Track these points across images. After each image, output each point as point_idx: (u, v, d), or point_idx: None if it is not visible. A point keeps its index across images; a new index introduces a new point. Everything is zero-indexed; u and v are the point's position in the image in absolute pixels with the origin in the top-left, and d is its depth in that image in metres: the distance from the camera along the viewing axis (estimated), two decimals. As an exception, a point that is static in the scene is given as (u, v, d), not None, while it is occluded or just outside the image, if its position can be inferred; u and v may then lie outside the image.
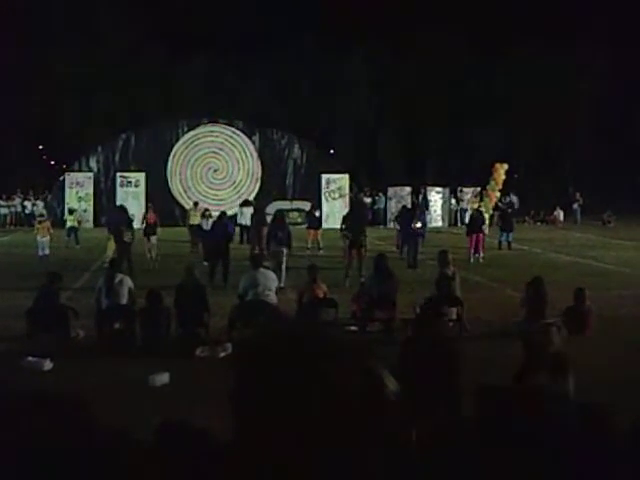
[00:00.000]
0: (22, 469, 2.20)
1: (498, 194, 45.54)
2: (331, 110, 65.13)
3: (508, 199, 47.20)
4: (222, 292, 18.84)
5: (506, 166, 45.07)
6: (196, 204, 34.03)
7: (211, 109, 52.69)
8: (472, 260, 26.91)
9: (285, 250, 21.29)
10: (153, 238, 28.29)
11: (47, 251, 28.40)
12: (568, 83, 63.57)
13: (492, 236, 31.15)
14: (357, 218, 23.95)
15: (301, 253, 26.59)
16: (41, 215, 36.12)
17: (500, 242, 31.60)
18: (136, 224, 26.77)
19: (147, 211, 30.75)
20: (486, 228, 29.55)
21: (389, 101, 64.44)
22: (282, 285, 18.95)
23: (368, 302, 15.20)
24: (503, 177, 45.17)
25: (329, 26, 61.68)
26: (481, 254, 27.50)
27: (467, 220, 35.43)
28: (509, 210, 36.05)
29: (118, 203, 34.99)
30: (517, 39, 61.46)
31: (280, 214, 23.31)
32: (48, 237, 28.82)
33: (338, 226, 26.03)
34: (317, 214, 33.08)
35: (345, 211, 28.87)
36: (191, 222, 31.45)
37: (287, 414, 1.30)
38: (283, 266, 20.97)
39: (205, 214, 29.82)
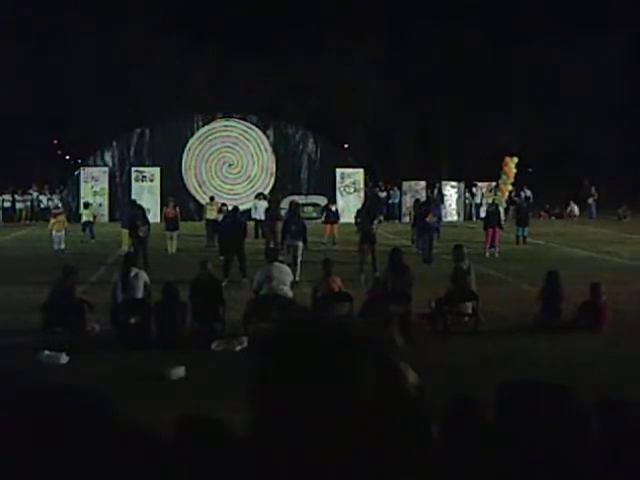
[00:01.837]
0: (37, 463, 2.19)
1: (510, 187, 45.42)
2: (346, 105, 64.98)
3: (523, 194, 46.97)
4: (238, 286, 18.89)
5: (516, 159, 44.94)
6: (212, 199, 34.11)
7: (225, 104, 52.72)
8: (487, 254, 26.88)
9: (300, 244, 21.31)
10: (174, 233, 28.54)
11: (62, 245, 28.51)
12: (584, 77, 63.27)
13: (508, 231, 31.05)
14: (368, 213, 23.99)
15: (316, 248, 26.59)
16: (56, 207, 36.23)
17: (517, 237, 31.55)
18: (151, 218, 26.94)
19: (167, 205, 30.75)
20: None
21: (404, 95, 64.27)
22: (297, 279, 18.98)
23: (383, 296, 15.17)
24: (514, 170, 45.03)
25: (344, 19, 61.59)
26: (497, 248, 27.44)
27: (483, 214, 35.36)
28: (524, 205, 35.92)
29: (132, 198, 34.98)
30: (532, 34, 61.28)
31: (295, 206, 23.27)
32: (63, 232, 28.94)
33: (352, 221, 26.18)
34: (334, 208, 32.98)
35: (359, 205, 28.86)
36: (207, 217, 31.54)
37: (305, 409, 1.29)
38: (298, 260, 21.00)
39: (222, 209, 29.89)
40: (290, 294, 15.16)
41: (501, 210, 33.50)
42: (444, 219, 37.30)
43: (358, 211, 25.01)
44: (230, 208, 26.26)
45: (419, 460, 1.32)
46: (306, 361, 1.31)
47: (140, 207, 25.34)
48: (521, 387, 3.61)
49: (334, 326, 1.40)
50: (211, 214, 31.16)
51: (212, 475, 2.80)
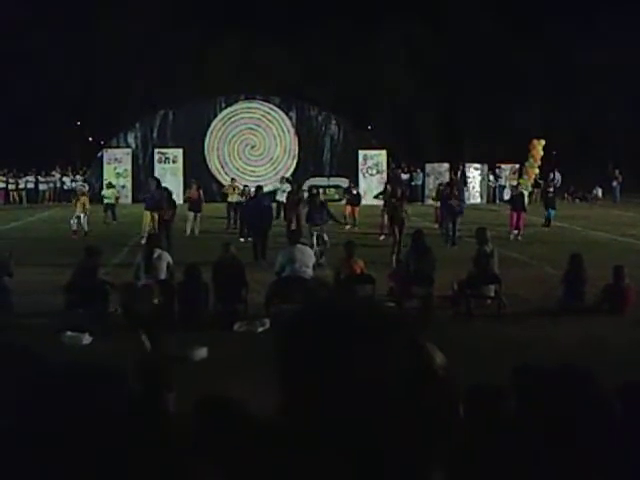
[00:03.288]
0: (58, 441, 2.19)
1: (537, 171, 45.20)
2: (369, 86, 64.79)
3: (552, 176, 46.66)
4: (260, 268, 18.88)
5: (543, 142, 44.68)
6: (233, 180, 34.08)
7: (248, 85, 52.63)
8: (512, 237, 26.79)
9: (324, 227, 21.62)
10: (197, 215, 28.53)
11: (86, 227, 28.57)
12: (609, 58, 62.74)
13: (531, 213, 30.90)
14: (396, 194, 24.09)
15: (339, 230, 26.56)
16: (82, 186, 36.34)
17: (546, 218, 31.40)
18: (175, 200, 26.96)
19: (191, 187, 30.69)
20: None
21: (427, 77, 64.00)
22: (321, 262, 19.09)
23: (405, 278, 15.16)
24: (541, 153, 44.79)
25: (368, 1, 61.36)
26: (520, 231, 27.35)
27: (506, 197, 35.19)
28: (550, 187, 35.76)
29: (157, 177, 34.94)
30: (557, 15, 60.79)
31: (315, 193, 23.39)
32: (87, 213, 28.98)
33: (375, 203, 26.27)
34: (355, 191, 32.90)
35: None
36: (229, 199, 31.50)
37: (336, 391, 1.27)
38: (327, 245, 21.28)
39: (244, 191, 29.91)
40: (312, 276, 15.20)
41: (525, 193, 33.32)
42: (467, 201, 37.19)
43: (379, 193, 25.15)
44: (252, 189, 26.29)
45: (449, 440, 1.31)
46: (340, 343, 1.29)
47: (166, 189, 25.13)
48: (542, 371, 3.58)
49: (367, 307, 1.39)
50: (232, 196, 31.13)
51: (232, 457, 2.79)
